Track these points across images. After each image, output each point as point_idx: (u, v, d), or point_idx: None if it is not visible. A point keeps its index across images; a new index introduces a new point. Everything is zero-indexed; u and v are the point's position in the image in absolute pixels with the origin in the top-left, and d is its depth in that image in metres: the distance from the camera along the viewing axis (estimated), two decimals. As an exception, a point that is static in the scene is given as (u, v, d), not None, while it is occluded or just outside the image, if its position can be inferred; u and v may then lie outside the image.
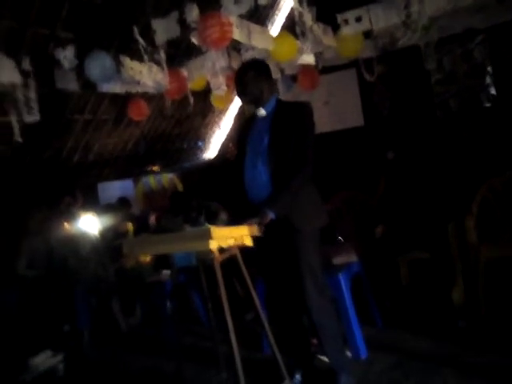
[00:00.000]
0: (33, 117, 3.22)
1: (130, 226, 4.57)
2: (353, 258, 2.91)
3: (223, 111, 6.45)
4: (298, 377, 2.41)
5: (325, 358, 2.44)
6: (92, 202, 5.15)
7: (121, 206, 4.84)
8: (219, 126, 6.80)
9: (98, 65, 3.28)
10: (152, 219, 4.70)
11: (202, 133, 6.73)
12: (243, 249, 2.09)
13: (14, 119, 3.21)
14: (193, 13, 2.98)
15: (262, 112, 2.31)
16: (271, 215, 2.10)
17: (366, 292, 3.10)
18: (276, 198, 2.15)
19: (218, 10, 2.94)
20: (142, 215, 5.41)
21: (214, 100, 4.38)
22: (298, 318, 2.41)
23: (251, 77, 2.27)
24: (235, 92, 2.41)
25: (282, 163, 2.19)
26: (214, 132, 6.87)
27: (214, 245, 1.89)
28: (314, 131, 2.29)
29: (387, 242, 3.36)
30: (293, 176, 2.17)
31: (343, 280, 2.71)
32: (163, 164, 6.40)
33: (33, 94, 3.18)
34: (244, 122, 2.53)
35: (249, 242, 2.04)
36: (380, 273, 3.30)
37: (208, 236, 1.87)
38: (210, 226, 2.00)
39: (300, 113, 2.27)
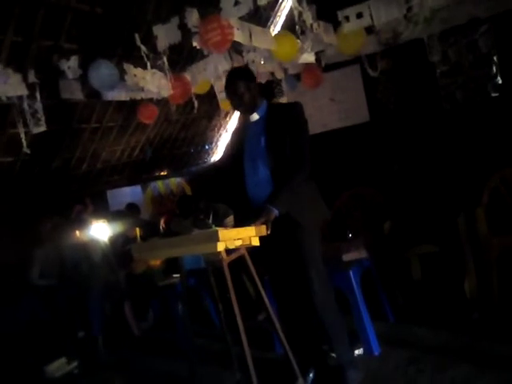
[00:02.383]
0: (40, 128, 3.27)
1: (138, 231, 4.59)
2: (363, 253, 2.90)
3: (229, 113, 6.46)
4: (311, 375, 2.41)
5: (333, 354, 2.44)
6: (102, 209, 5.20)
7: (130, 212, 4.87)
8: (225, 129, 6.83)
9: (101, 73, 3.31)
10: (161, 223, 4.72)
11: (208, 136, 6.76)
12: (249, 248, 2.10)
13: (21, 131, 3.26)
14: (193, 17, 3.00)
15: (256, 116, 2.37)
16: (275, 212, 2.13)
17: (376, 287, 3.09)
18: (277, 195, 2.19)
19: (218, 13, 2.95)
20: (152, 220, 5.46)
21: (223, 103, 4.38)
22: (306, 315, 2.41)
23: (243, 87, 2.29)
24: (231, 105, 2.44)
25: (281, 162, 2.24)
26: (220, 134, 6.89)
27: (221, 247, 1.89)
28: (308, 128, 2.34)
29: (396, 237, 3.34)
30: (292, 173, 2.22)
31: (354, 276, 2.71)
32: (171, 169, 6.44)
33: (39, 105, 3.22)
34: (238, 128, 2.57)
35: (256, 243, 2.05)
36: (390, 268, 3.28)
37: (215, 238, 1.87)
38: (217, 228, 2.01)
39: (292, 112, 2.33)
